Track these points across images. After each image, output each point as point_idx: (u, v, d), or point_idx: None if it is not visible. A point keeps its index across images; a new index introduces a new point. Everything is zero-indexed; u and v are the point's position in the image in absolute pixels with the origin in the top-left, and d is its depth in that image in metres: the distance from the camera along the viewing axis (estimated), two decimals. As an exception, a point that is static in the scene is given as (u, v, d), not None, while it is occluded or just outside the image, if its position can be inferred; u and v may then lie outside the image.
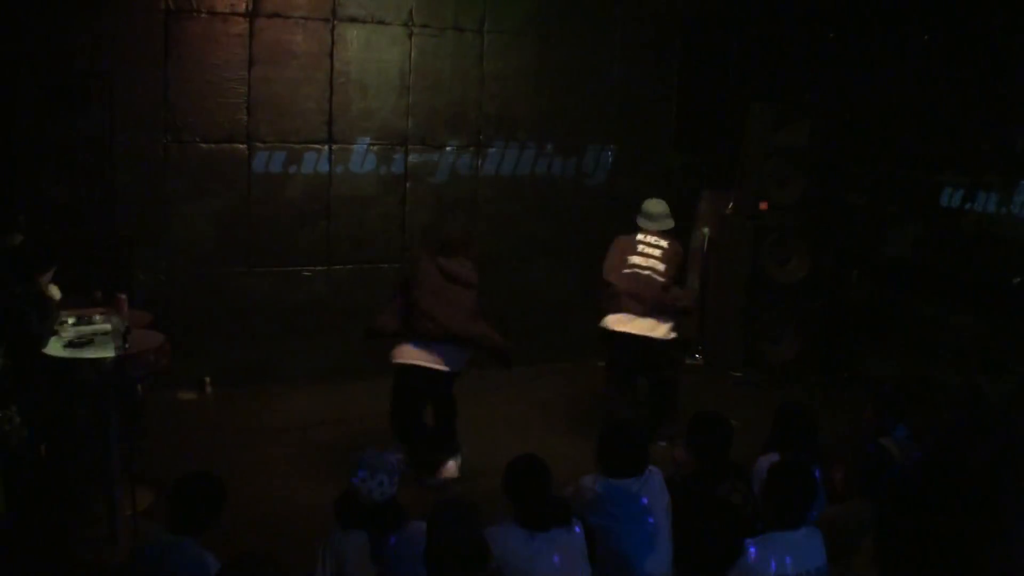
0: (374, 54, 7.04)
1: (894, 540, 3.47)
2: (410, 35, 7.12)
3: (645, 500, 3.84)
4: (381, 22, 7.02)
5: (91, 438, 4.88)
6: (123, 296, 5.19)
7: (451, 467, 5.57)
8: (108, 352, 4.57)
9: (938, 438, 4.28)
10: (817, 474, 3.91)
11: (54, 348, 4.56)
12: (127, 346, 4.57)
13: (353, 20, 6.92)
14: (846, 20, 7.84)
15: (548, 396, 7.04)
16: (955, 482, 3.73)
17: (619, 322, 5.91)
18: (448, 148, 7.40)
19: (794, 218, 7.74)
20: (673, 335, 5.98)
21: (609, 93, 7.87)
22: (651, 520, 3.83)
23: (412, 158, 7.28)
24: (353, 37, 6.94)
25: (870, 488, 3.84)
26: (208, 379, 6.85)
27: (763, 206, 7.70)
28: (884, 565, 3.45)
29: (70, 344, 4.62)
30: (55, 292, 5.08)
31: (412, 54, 7.15)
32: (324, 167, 7.02)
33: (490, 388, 6.85)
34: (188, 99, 6.56)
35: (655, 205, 6.07)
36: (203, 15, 6.50)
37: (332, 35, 6.88)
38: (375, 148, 7.15)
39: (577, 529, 3.56)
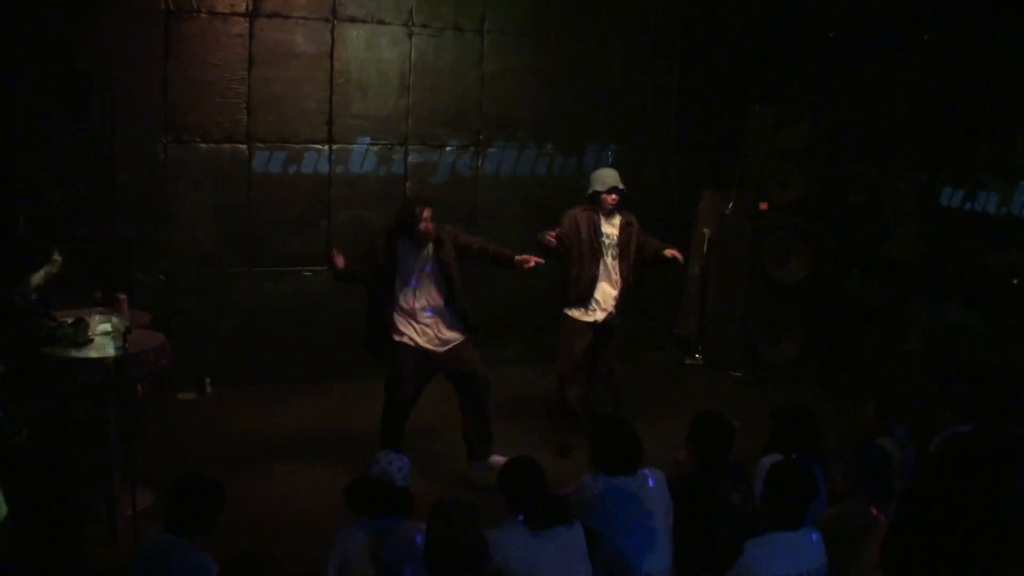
0: (374, 54, 7.04)
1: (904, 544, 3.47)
2: (410, 35, 7.13)
3: (645, 500, 3.84)
4: (381, 22, 7.02)
5: (91, 438, 4.88)
6: (123, 296, 5.19)
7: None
8: (108, 352, 4.57)
9: (943, 439, 4.27)
10: (819, 474, 3.91)
11: (54, 348, 4.56)
12: (127, 346, 4.57)
13: (353, 20, 6.93)
14: (846, 20, 7.84)
15: (549, 396, 7.03)
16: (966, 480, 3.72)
17: None
18: (448, 148, 7.41)
19: (794, 218, 7.75)
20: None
21: (609, 93, 7.87)
22: (651, 520, 3.83)
23: (412, 158, 7.28)
24: (353, 37, 6.95)
25: (870, 488, 3.84)
26: (208, 379, 6.85)
27: (763, 206, 7.71)
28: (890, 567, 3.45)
29: (70, 344, 4.62)
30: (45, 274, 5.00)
31: (412, 54, 7.16)
32: (324, 167, 7.02)
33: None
34: (188, 99, 6.57)
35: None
36: (203, 15, 6.51)
37: (332, 35, 6.88)
38: (375, 148, 7.16)
39: (577, 527, 3.57)
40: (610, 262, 5.95)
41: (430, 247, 5.39)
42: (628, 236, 5.95)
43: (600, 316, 5.95)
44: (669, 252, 5.96)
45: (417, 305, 5.40)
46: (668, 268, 6.23)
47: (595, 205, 5.92)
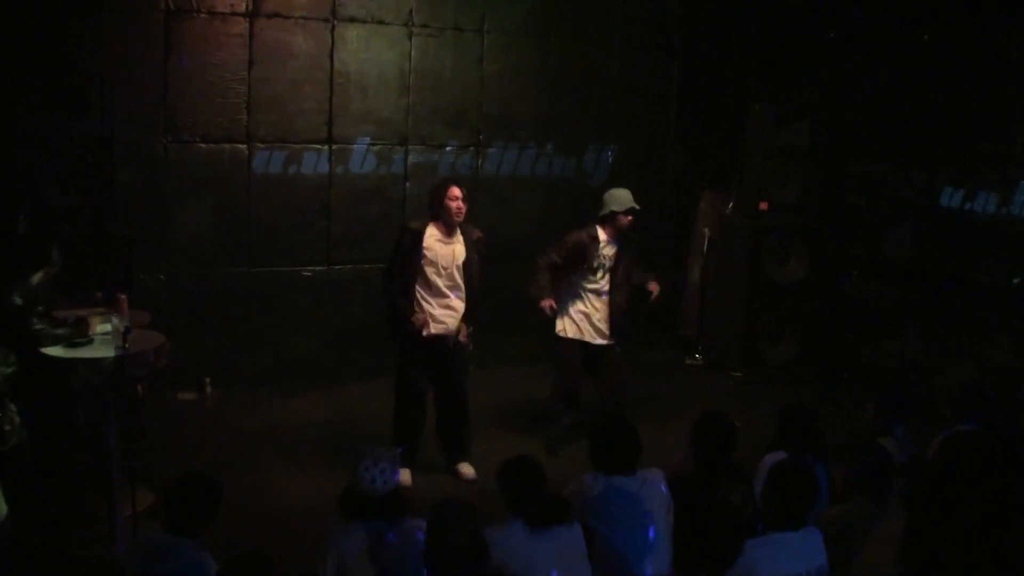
0: (374, 54, 7.04)
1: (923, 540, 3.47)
2: (410, 35, 7.12)
3: (645, 500, 3.84)
4: (381, 22, 7.02)
5: (91, 438, 4.88)
6: (123, 296, 5.18)
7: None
8: (108, 352, 4.57)
9: (945, 440, 4.28)
10: (819, 474, 3.91)
11: (54, 349, 4.56)
12: (127, 346, 4.57)
13: (353, 20, 6.92)
14: (846, 20, 7.84)
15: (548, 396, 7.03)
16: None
17: None
18: (448, 148, 7.41)
19: (794, 218, 7.75)
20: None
21: (609, 93, 7.87)
22: (651, 520, 3.82)
23: (412, 158, 7.28)
24: (353, 37, 6.95)
25: (870, 488, 3.84)
26: (208, 379, 6.85)
27: (763, 206, 7.71)
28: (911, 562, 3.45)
29: (70, 344, 4.62)
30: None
31: (412, 54, 7.15)
32: (324, 167, 7.02)
33: (489, 388, 6.85)
34: (188, 99, 6.56)
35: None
36: (203, 15, 6.51)
37: (332, 35, 6.88)
38: (375, 148, 7.16)
39: (577, 527, 3.57)
40: (602, 283, 5.92)
41: (461, 243, 5.44)
42: (622, 256, 5.92)
43: (590, 338, 5.95)
44: (652, 285, 5.95)
45: (440, 296, 5.42)
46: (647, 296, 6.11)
47: (605, 224, 5.87)
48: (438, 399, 5.65)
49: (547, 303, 5.82)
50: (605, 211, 5.86)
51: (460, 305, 5.49)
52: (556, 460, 5.73)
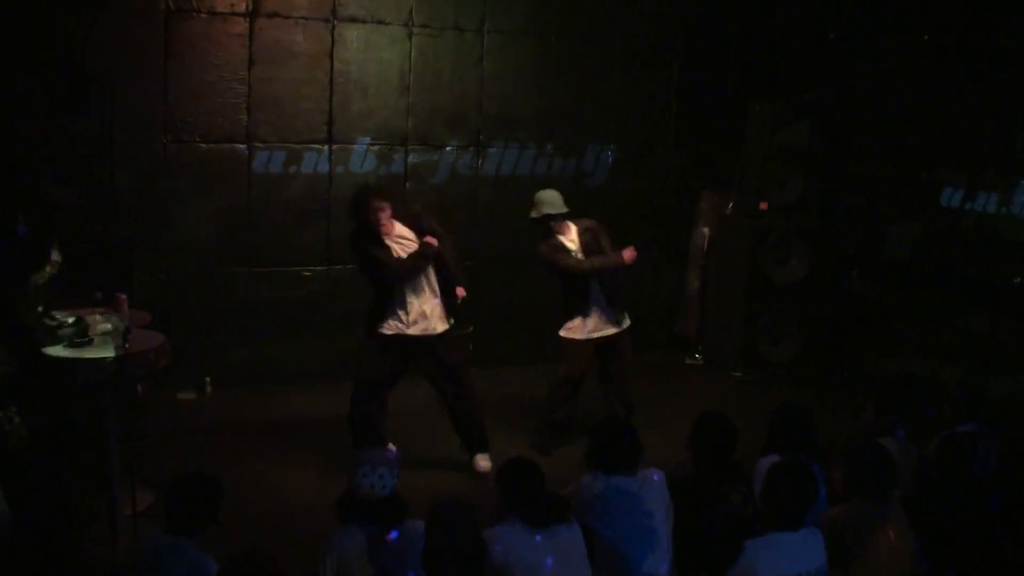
0: (374, 54, 7.04)
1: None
2: (410, 35, 7.13)
3: (645, 500, 3.84)
4: (381, 22, 7.02)
5: (91, 438, 4.88)
6: (123, 296, 5.19)
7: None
8: (108, 352, 4.57)
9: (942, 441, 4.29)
10: (818, 474, 3.91)
11: (54, 348, 4.56)
12: (127, 346, 4.57)
13: (353, 20, 6.93)
14: (846, 20, 7.85)
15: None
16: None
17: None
18: (448, 148, 7.41)
19: (794, 218, 7.75)
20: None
21: (609, 93, 7.87)
22: (651, 520, 3.82)
23: (412, 158, 7.28)
24: (353, 37, 6.95)
25: (870, 488, 3.84)
26: (208, 379, 6.85)
27: (763, 206, 7.71)
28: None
29: (70, 344, 4.62)
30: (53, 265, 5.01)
31: (412, 54, 7.15)
32: (324, 167, 7.02)
33: (488, 388, 6.84)
34: (188, 99, 6.56)
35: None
36: (203, 15, 6.51)
37: (332, 35, 6.88)
38: (375, 148, 7.16)
39: (576, 527, 3.57)
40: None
41: (410, 235, 5.39)
42: (591, 238, 5.89)
43: (595, 332, 5.92)
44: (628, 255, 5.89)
45: (413, 297, 5.40)
46: None
47: (553, 227, 5.84)
48: (443, 396, 5.66)
49: (627, 252, 5.78)
50: (540, 214, 5.82)
51: (437, 302, 5.47)
52: (552, 460, 5.71)
